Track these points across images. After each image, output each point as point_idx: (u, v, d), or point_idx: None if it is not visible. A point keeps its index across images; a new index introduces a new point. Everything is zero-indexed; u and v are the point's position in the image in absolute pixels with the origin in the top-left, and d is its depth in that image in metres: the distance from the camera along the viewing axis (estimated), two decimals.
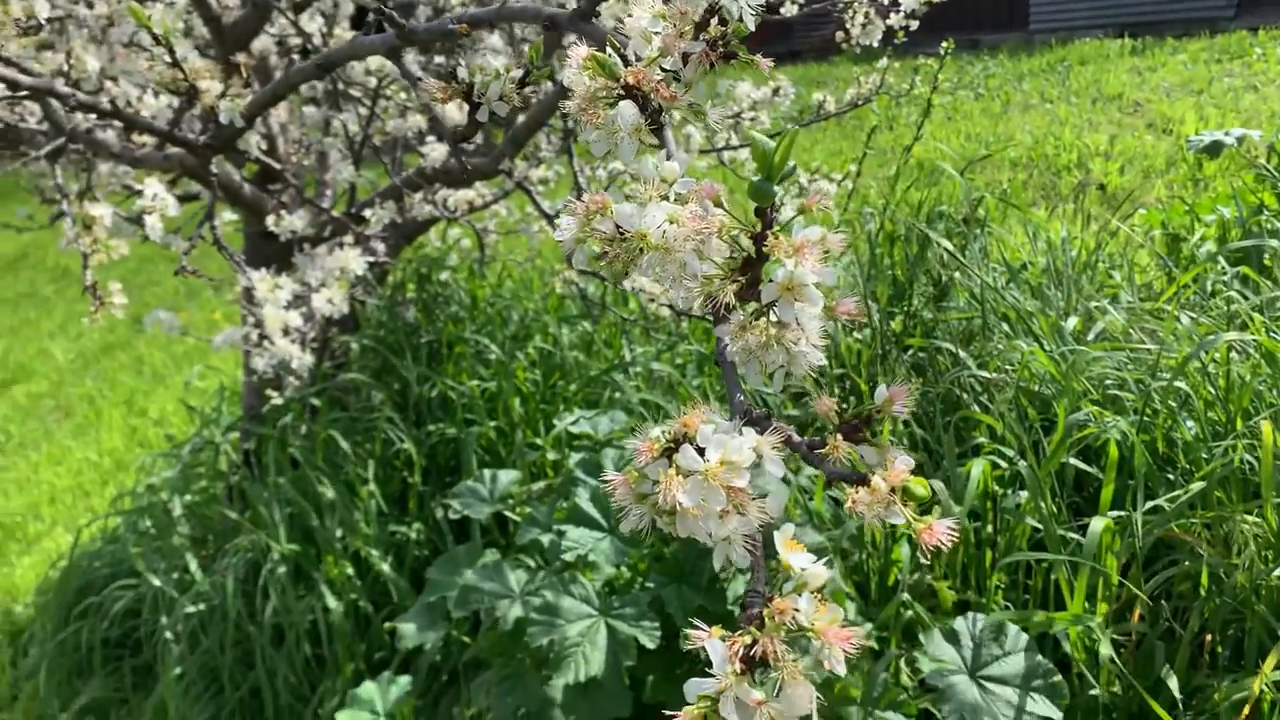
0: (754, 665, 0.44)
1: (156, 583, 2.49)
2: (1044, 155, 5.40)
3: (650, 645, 1.60)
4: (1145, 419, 1.90)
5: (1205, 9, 9.36)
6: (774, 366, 0.52)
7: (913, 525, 0.47)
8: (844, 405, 0.54)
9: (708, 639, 0.44)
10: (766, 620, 0.44)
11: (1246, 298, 2.24)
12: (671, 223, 0.51)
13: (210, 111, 1.27)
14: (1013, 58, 9.06)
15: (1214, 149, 3.55)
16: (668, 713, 0.44)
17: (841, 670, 0.43)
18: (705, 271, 0.52)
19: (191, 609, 2.41)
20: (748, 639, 0.44)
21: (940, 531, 0.46)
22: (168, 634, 2.44)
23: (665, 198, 0.54)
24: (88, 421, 4.74)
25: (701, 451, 0.46)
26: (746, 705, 0.42)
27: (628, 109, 0.57)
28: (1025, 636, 1.51)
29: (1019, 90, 7.47)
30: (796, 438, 0.51)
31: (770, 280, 0.50)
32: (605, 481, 1.50)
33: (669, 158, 0.56)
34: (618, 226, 0.53)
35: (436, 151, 2.54)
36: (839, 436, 0.50)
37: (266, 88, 1.30)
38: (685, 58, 0.61)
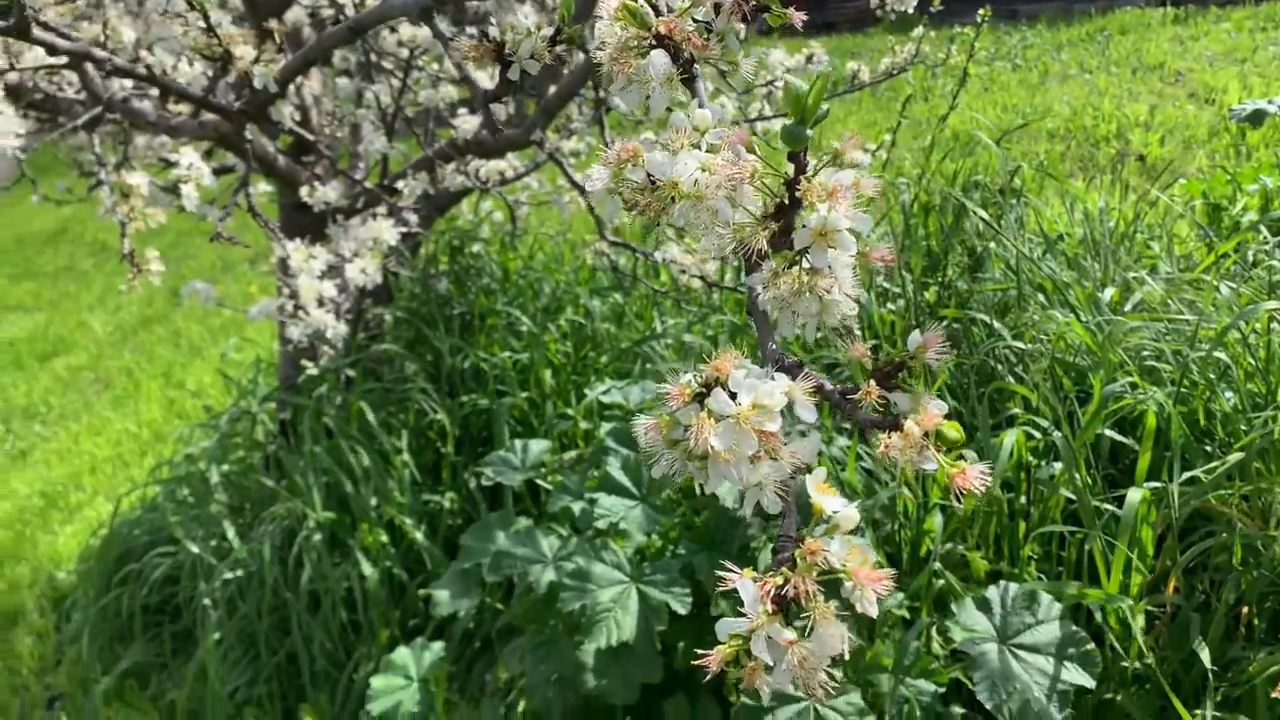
0: (786, 607, 0.44)
1: (195, 550, 2.53)
2: (1082, 126, 5.32)
3: (682, 611, 1.61)
4: (1183, 390, 1.88)
5: None
6: (807, 316, 0.52)
7: (946, 470, 0.46)
8: (876, 355, 0.54)
9: (739, 580, 0.44)
10: (798, 561, 0.44)
11: None
12: (703, 170, 0.51)
13: (244, 77, 1.27)
14: (1051, 27, 8.91)
15: (1257, 118, 3.48)
16: (699, 661, 0.45)
17: (873, 611, 0.43)
18: (738, 219, 0.52)
19: (229, 575, 2.45)
20: (779, 580, 0.44)
21: (973, 476, 0.46)
22: (206, 600, 2.48)
23: (697, 146, 0.53)
24: (126, 393, 4.81)
25: (733, 396, 0.46)
26: (778, 644, 0.42)
27: (659, 58, 0.57)
28: (1058, 605, 1.50)
29: (1057, 60, 7.36)
30: (829, 385, 0.50)
31: (803, 226, 0.49)
32: (636, 451, 1.51)
33: (701, 107, 0.56)
34: (649, 175, 0.53)
35: (468, 123, 2.54)
36: (872, 382, 0.50)
37: (299, 53, 1.30)
38: (717, 8, 0.61)
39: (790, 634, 0.42)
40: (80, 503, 3.85)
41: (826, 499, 0.47)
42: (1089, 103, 5.74)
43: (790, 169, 0.50)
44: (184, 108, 1.66)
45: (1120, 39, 7.75)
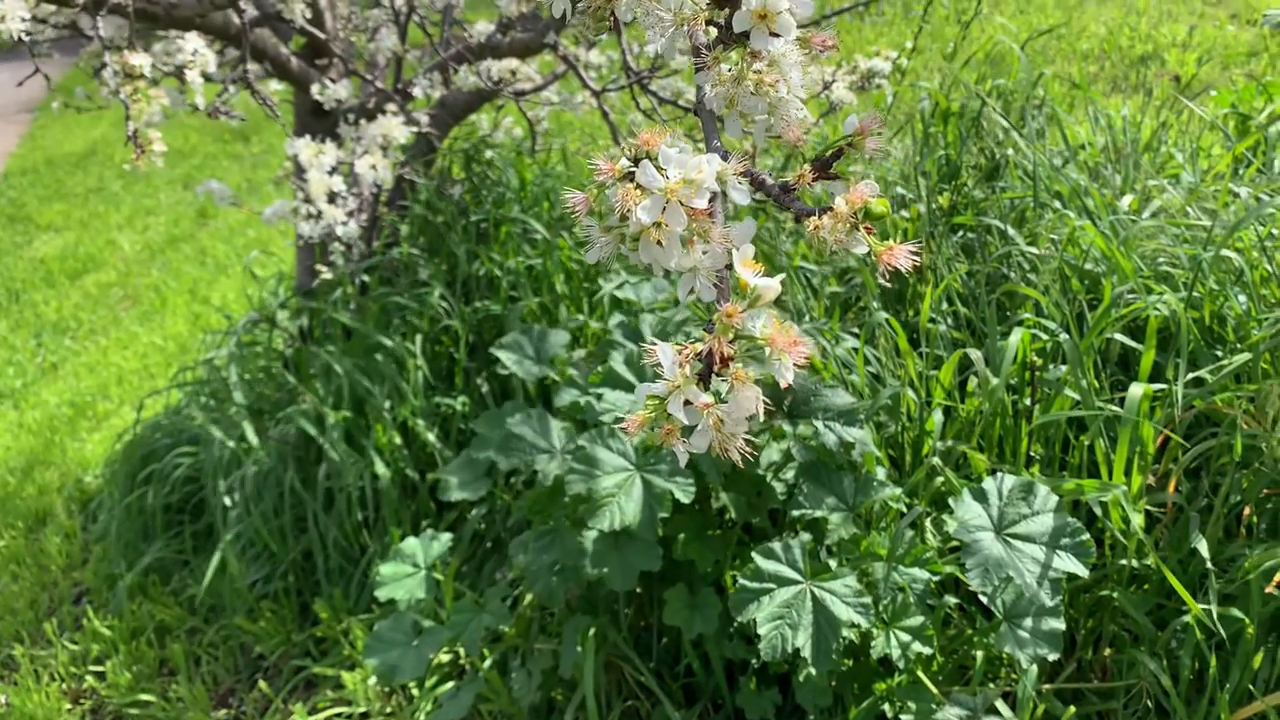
0: (708, 378, 0.44)
1: (219, 437, 2.57)
2: (1118, 47, 5.18)
3: (685, 500, 1.63)
4: (1195, 295, 1.86)
5: None
6: (755, 114, 0.52)
7: (874, 249, 0.46)
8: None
9: (659, 345, 0.44)
10: (716, 324, 0.45)
11: None
12: None
13: None
14: None
15: None
16: (622, 424, 0.45)
17: (790, 378, 0.44)
18: (686, 11, 0.51)
19: (248, 472, 2.50)
20: (699, 346, 0.44)
21: (901, 254, 0.46)
22: (226, 499, 2.54)
23: None
24: (153, 308, 4.87)
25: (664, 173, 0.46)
26: (694, 407, 0.43)
27: None
28: (1055, 498, 1.50)
29: None
30: (769, 179, 0.50)
31: (743, 9, 0.49)
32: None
33: None
34: None
35: (482, 25, 2.51)
36: (806, 167, 0.50)
37: None
38: None
39: (707, 397, 0.43)
40: (107, 412, 3.93)
41: (750, 273, 0.47)
42: (1125, 23, 5.59)
43: None
44: None
45: None
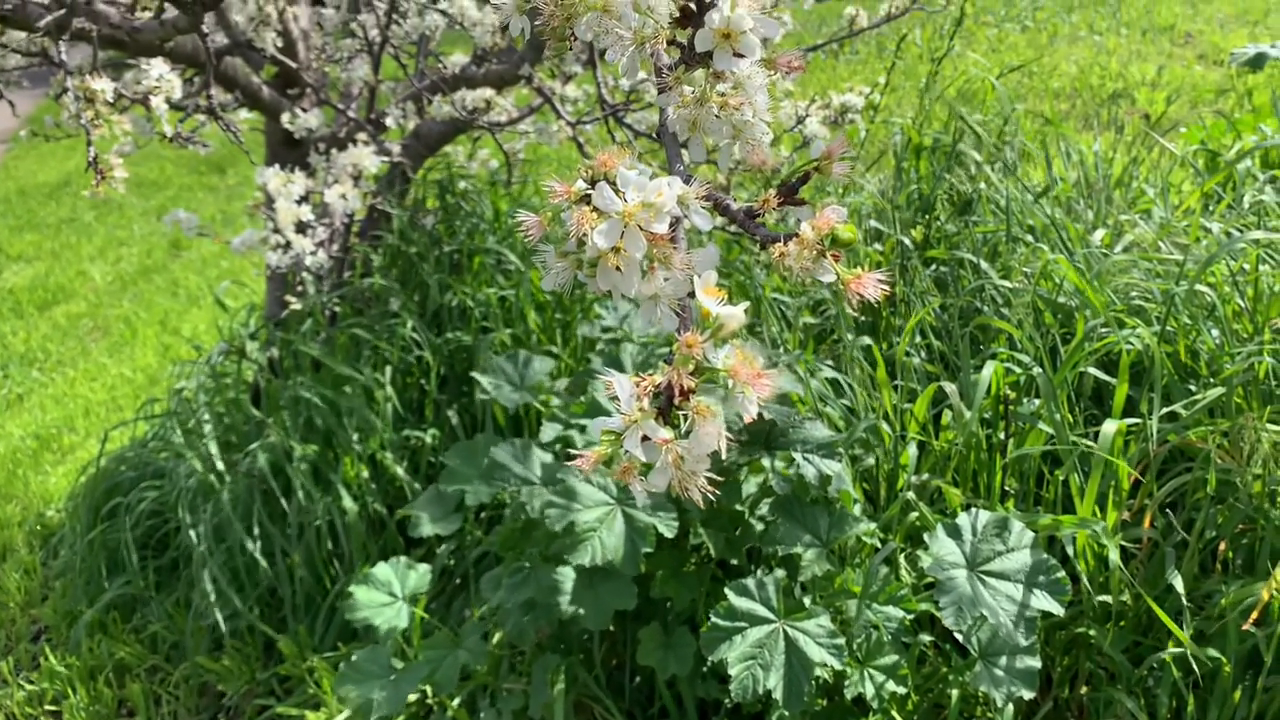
0: (667, 412, 0.42)
1: (186, 469, 2.51)
2: (1088, 85, 5.25)
3: (668, 534, 1.60)
4: (1169, 329, 1.85)
5: None
6: (719, 138, 0.50)
7: (842, 278, 0.44)
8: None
9: (616, 378, 0.42)
10: (676, 355, 0.42)
11: None
12: None
13: None
14: None
15: (1258, 61, 3.41)
16: (574, 460, 0.43)
17: (754, 412, 0.41)
18: (646, 30, 0.49)
19: (215, 508, 2.45)
20: (658, 378, 0.42)
21: (870, 282, 0.44)
22: (192, 534, 2.48)
23: None
24: (123, 340, 4.80)
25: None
26: (653, 443, 0.40)
27: None
28: (1030, 534, 1.48)
29: (1067, 23, 7.25)
30: (733, 204, 0.48)
31: (706, 28, 0.47)
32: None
33: None
34: None
35: (457, 57, 2.51)
36: (770, 192, 0.48)
37: None
38: None
39: (666, 432, 0.41)
40: (73, 444, 3.86)
41: (712, 301, 0.45)
42: (1096, 63, 5.67)
43: None
44: (146, 13, 1.63)
45: (1132, 0, 7.63)
